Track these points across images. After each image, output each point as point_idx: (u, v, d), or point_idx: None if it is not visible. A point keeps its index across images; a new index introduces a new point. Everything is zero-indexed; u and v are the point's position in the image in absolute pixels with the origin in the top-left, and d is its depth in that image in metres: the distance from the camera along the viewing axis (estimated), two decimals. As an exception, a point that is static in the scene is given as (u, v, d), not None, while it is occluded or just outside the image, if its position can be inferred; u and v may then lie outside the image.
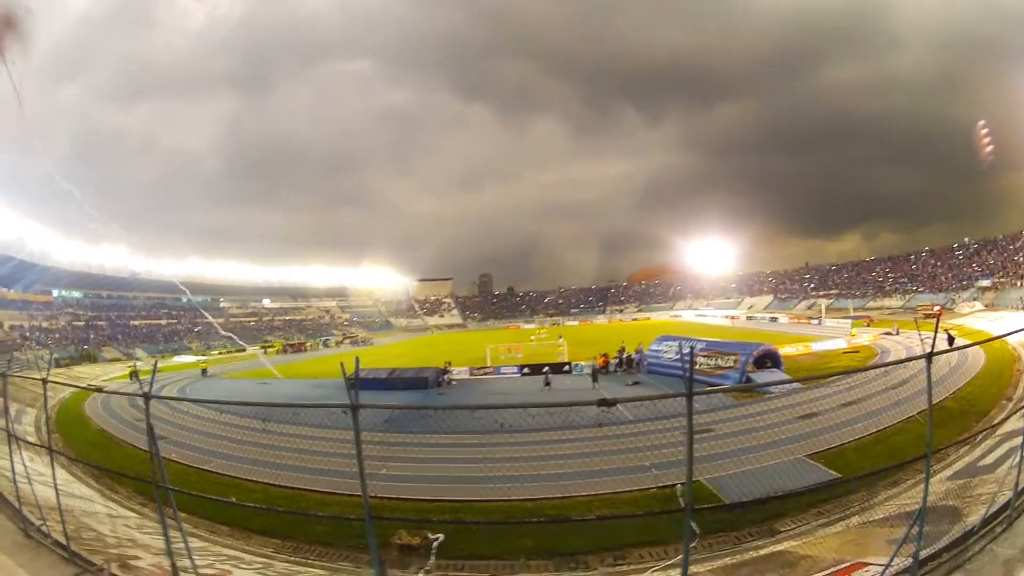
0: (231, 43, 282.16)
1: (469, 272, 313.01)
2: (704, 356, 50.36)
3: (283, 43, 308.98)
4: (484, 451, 29.69)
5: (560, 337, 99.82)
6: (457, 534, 19.05)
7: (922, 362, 10.45)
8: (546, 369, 59.72)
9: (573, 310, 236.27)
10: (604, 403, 9.23)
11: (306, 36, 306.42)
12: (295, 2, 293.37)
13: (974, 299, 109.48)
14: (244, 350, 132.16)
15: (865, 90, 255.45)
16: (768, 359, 49.50)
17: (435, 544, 18.02)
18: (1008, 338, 21.30)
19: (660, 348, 59.25)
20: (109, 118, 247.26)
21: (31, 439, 34.25)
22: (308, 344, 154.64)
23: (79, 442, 39.21)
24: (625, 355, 64.91)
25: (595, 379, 54.38)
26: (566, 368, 64.38)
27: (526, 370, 65.98)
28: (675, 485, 21.37)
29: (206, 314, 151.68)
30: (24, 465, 16.58)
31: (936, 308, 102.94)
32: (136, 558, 14.25)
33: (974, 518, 11.29)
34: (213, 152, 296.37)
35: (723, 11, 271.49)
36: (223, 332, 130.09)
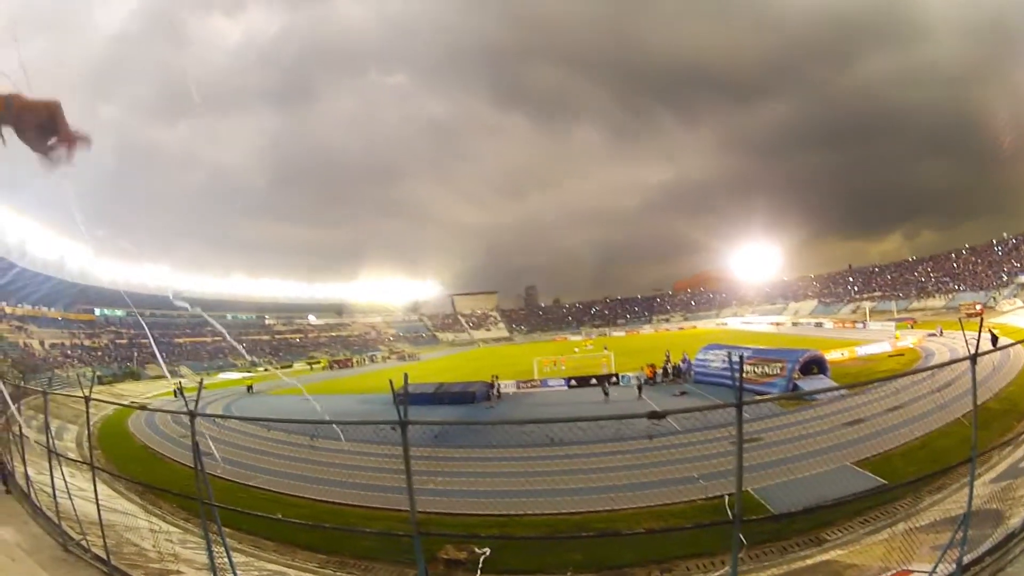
0: (268, 59, 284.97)
1: (514, 284, 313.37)
2: (750, 364, 49.85)
3: (320, 57, 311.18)
4: (532, 465, 29.75)
5: (605, 348, 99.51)
6: (504, 549, 19.07)
7: (965, 363, 10.38)
8: (606, 381, 59.59)
9: (619, 320, 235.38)
10: (654, 416, 9.23)
11: (343, 49, 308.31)
12: (331, 16, 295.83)
13: (1014, 295, 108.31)
14: (290, 366, 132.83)
15: (900, 82, 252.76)
16: (814, 365, 49.05)
17: (482, 558, 18.05)
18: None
19: (707, 357, 58.69)
20: (149, 135, 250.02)
21: (72, 455, 34.75)
22: (354, 360, 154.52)
23: (122, 458, 39.70)
24: (671, 365, 64.63)
25: (640, 391, 54.31)
26: (613, 380, 63.75)
27: (573, 382, 65.54)
28: (723, 496, 21.36)
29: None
30: (64, 480, 16.80)
31: (978, 307, 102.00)
32: (179, 573, 14.43)
33: (1016, 520, 11.21)
34: (254, 167, 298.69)
35: (754, 8, 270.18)
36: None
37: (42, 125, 3.17)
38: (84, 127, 3.39)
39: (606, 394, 53.92)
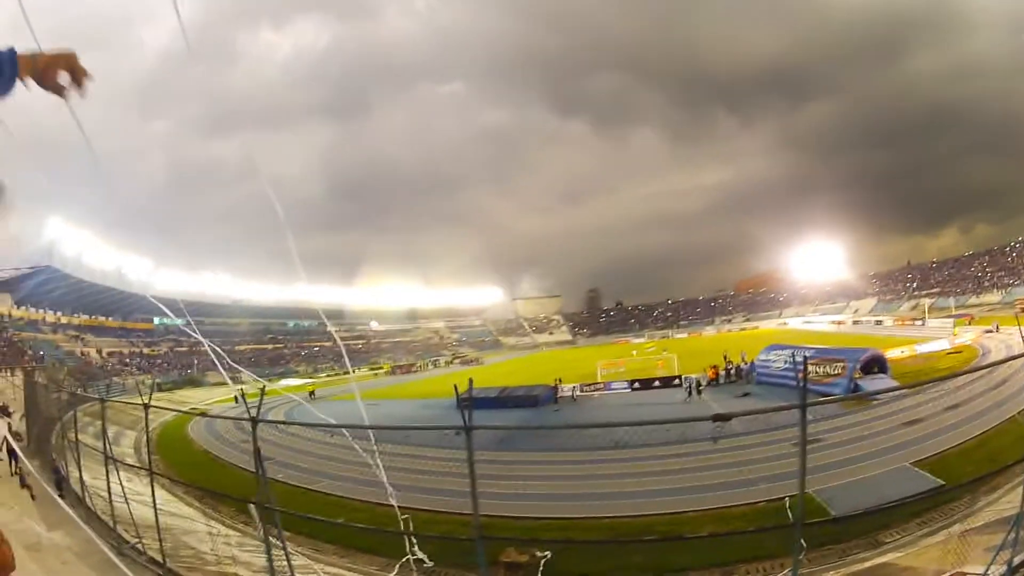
0: (320, 72, 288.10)
1: (577, 288, 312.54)
2: (812, 364, 48.84)
3: (373, 68, 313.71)
4: (594, 468, 30.08)
5: (665, 350, 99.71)
6: (565, 552, 19.17)
7: (1021, 360, 10.36)
8: (692, 380, 58.26)
9: (682, 322, 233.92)
10: (719, 418, 9.40)
11: (396, 60, 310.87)
12: (381, 29, 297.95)
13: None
14: (353, 372, 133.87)
15: (950, 78, 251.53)
16: (875, 364, 48.72)
17: (543, 562, 18.14)
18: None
19: (769, 357, 58.48)
20: (205, 150, 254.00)
21: (130, 460, 35.28)
22: (417, 365, 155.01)
23: (182, 463, 40.42)
24: (732, 366, 64.77)
25: (690, 393, 54.24)
26: (676, 381, 63.36)
27: (636, 384, 65.45)
28: (783, 498, 21.31)
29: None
30: (121, 485, 17.13)
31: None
32: (236, 575, 14.67)
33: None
34: (315, 179, 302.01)
35: (803, 7, 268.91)
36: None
37: (61, 74, 3.49)
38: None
39: (689, 395, 53.96)
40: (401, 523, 15.02)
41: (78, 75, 3.51)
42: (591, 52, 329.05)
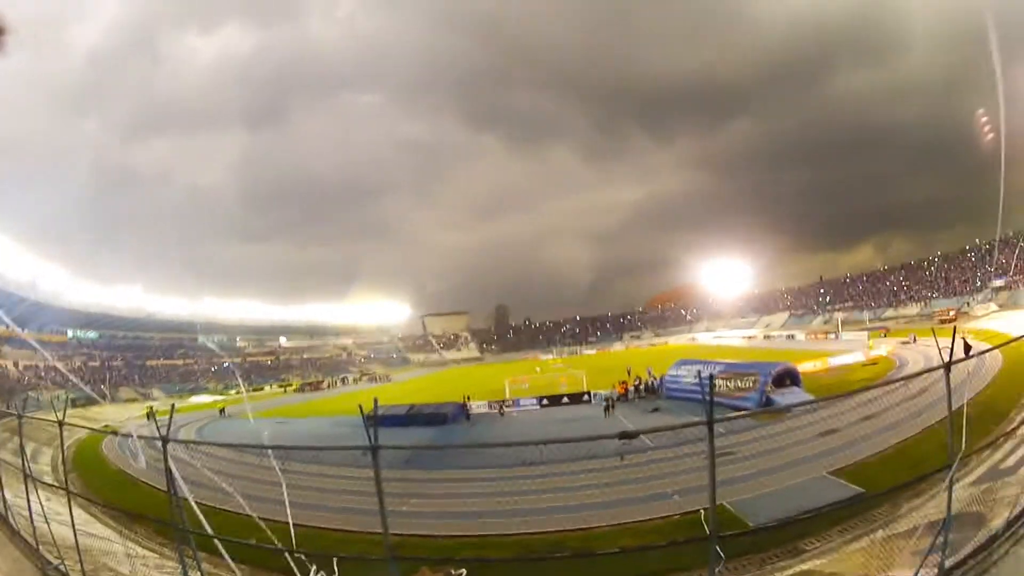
0: (243, 77, 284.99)
1: (485, 304, 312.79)
2: (723, 379, 49.98)
3: (295, 76, 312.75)
4: (505, 485, 29.61)
5: (564, 364, 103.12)
6: (481, 570, 18.95)
7: (940, 369, 10.45)
8: (606, 397, 59.28)
9: (591, 338, 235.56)
10: (626, 435, 9.26)
11: (318, 68, 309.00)
12: (305, 36, 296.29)
13: (989, 300, 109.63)
14: (261, 389, 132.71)
15: (875, 99, 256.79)
16: (787, 377, 49.35)
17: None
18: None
19: (679, 372, 58.85)
20: (120, 154, 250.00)
21: (48, 479, 34.41)
22: (326, 382, 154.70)
23: (97, 482, 39.42)
24: (640, 381, 64.97)
25: (607, 411, 54.28)
26: (585, 398, 64.15)
27: (545, 401, 65.60)
28: (699, 511, 21.34)
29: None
30: (41, 504, 16.60)
31: (951, 312, 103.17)
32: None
33: (998, 522, 11.21)
34: (227, 187, 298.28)
35: (730, 27, 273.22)
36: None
37: None
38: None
39: (606, 411, 54.18)
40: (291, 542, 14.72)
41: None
42: (512, 66, 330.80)
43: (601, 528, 23.92)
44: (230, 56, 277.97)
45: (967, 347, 40.30)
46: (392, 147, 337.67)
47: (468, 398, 66.33)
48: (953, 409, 10.96)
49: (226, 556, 15.84)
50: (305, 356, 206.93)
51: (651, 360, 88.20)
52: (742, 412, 41.47)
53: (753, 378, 48.64)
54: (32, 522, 16.15)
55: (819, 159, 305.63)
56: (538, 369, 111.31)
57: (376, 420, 9.62)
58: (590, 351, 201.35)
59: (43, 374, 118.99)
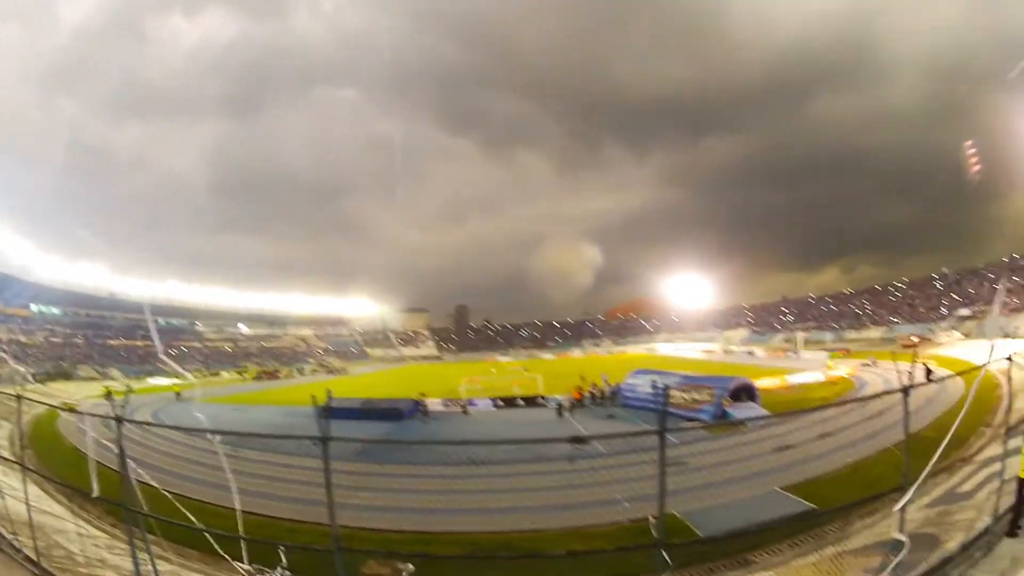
0: (223, 64, 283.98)
1: (446, 303, 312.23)
2: (679, 390, 50.08)
3: (274, 67, 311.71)
4: (455, 483, 29.50)
5: (524, 370, 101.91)
6: (427, 566, 18.82)
7: (898, 393, 10.47)
8: (559, 401, 59.22)
9: (550, 343, 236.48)
10: (576, 440, 9.21)
11: (298, 61, 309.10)
12: (288, 26, 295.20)
13: (953, 328, 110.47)
14: (218, 374, 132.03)
15: (853, 124, 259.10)
16: (744, 392, 49.53)
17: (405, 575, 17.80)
18: (989, 365, 21.40)
19: (635, 381, 59.05)
20: (97, 133, 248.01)
21: (4, 453, 33.97)
22: (283, 372, 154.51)
23: (52, 459, 38.94)
24: (595, 388, 65.01)
25: (560, 414, 54.46)
26: (540, 401, 64.27)
27: (500, 403, 65.79)
28: (647, 518, 21.30)
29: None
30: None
31: (914, 339, 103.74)
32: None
33: (952, 544, 11.23)
34: (197, 173, 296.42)
35: (715, 45, 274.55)
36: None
37: None
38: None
39: (559, 414, 54.29)
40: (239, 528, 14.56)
41: None
42: (492, 71, 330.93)
43: (550, 531, 23.84)
44: (212, 42, 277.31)
45: (928, 372, 40.54)
46: (366, 144, 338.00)
47: (423, 395, 65.77)
48: (908, 432, 10.99)
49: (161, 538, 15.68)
50: (264, 344, 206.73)
51: (609, 368, 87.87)
52: (695, 423, 41.86)
53: (709, 391, 48.95)
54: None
55: (792, 180, 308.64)
56: (493, 371, 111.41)
57: (329, 412, 9.52)
58: (549, 356, 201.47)
59: (5, 348, 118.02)
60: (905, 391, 10.31)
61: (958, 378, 32.46)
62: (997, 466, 13.02)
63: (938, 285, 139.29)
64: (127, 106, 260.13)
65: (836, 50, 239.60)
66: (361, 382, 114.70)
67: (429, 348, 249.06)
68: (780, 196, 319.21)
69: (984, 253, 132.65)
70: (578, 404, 60.56)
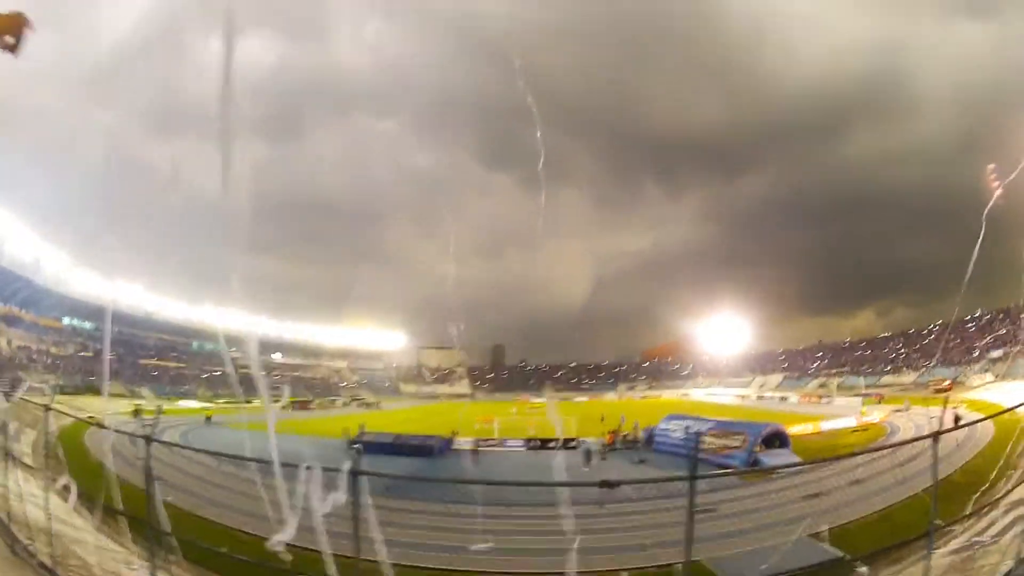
0: (264, 88, 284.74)
1: (483, 341, 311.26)
2: (712, 436, 50.12)
3: (315, 93, 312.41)
4: (483, 523, 29.52)
5: (537, 409, 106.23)
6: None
7: (928, 439, 10.42)
8: (586, 447, 56.16)
9: (584, 385, 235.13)
10: (606, 484, 9.20)
11: (339, 88, 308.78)
12: (330, 53, 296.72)
13: (986, 371, 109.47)
14: (250, 402, 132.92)
15: (886, 161, 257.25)
16: (776, 439, 49.45)
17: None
18: (1018, 408, 21.33)
19: (668, 427, 59.34)
20: (137, 149, 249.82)
21: (28, 460, 34.23)
22: (315, 403, 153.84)
23: (76, 471, 39.20)
24: (623, 434, 65.52)
25: (588, 460, 51.11)
26: (572, 444, 62.55)
27: (531, 444, 65.99)
28: (672, 564, 21.18)
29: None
30: (18, 484, 16.48)
31: (947, 383, 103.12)
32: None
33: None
34: (237, 196, 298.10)
35: (749, 84, 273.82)
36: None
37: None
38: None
39: (587, 461, 50.81)
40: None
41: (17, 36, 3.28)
42: (528, 106, 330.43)
43: (575, 574, 23.73)
44: (254, 65, 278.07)
45: (956, 418, 40.31)
46: (403, 175, 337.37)
47: (456, 433, 66.34)
48: (938, 478, 10.90)
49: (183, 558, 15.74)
50: (297, 374, 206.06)
51: (642, 413, 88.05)
52: (726, 470, 41.56)
53: (742, 437, 48.70)
54: (7, 499, 16.03)
55: (827, 220, 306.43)
56: (514, 411, 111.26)
57: (361, 447, 9.61)
58: (582, 398, 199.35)
59: (35, 356, 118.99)
60: (935, 437, 10.25)
61: (988, 421, 32.27)
62: (1022, 509, 12.90)
63: (971, 327, 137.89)
64: (167, 123, 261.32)
65: (865, 85, 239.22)
66: (393, 417, 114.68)
67: (462, 386, 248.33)
68: (814, 236, 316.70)
69: (1015, 293, 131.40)
70: (610, 448, 60.49)
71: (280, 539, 11.02)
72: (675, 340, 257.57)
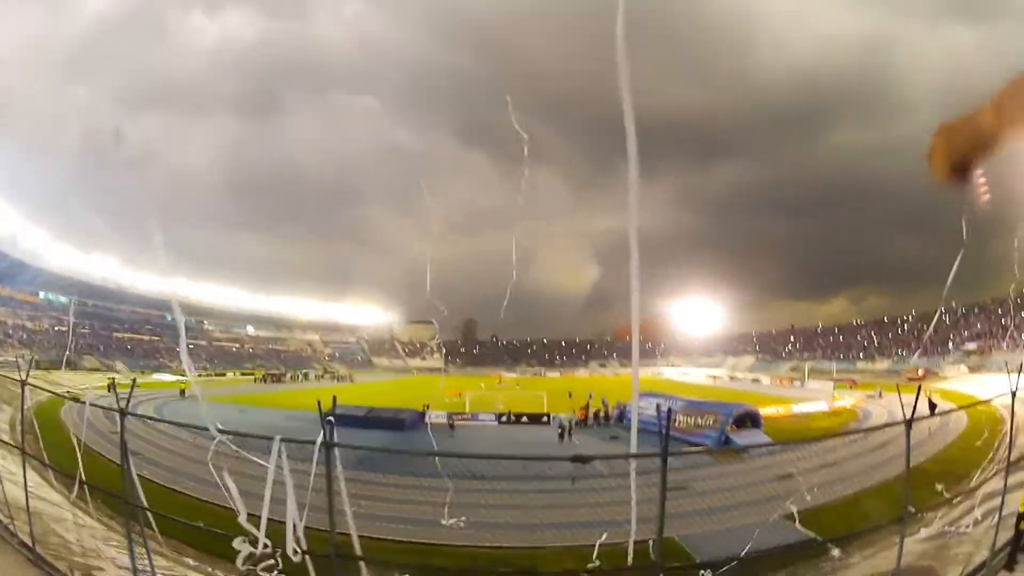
0: (241, 64, 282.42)
1: (455, 316, 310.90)
2: (684, 415, 50.36)
3: (293, 70, 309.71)
4: (455, 496, 29.62)
5: (518, 386, 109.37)
6: (425, 576, 18.88)
7: (901, 424, 10.48)
8: (565, 422, 57.48)
9: (556, 361, 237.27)
10: (578, 459, 9.33)
11: (317, 65, 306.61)
12: (309, 31, 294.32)
13: (960, 362, 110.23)
14: (224, 374, 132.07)
15: (868, 154, 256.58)
16: (748, 419, 49.75)
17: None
18: (992, 400, 21.43)
19: (641, 404, 58.31)
20: (113, 124, 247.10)
21: (5, 437, 34.02)
22: (288, 375, 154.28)
23: (52, 447, 39.08)
24: (597, 410, 65.69)
25: (561, 437, 53.02)
26: (544, 419, 64.37)
27: (504, 418, 66.26)
28: (647, 541, 21.31)
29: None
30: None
31: (920, 372, 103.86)
32: (100, 570, 14.06)
33: (951, 576, 11.22)
34: (211, 171, 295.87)
35: (733, 71, 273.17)
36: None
37: None
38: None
39: (561, 438, 52.73)
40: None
41: None
42: (509, 86, 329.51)
43: (548, 548, 24.03)
44: (232, 41, 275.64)
45: (932, 406, 40.52)
46: (381, 152, 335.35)
47: (427, 407, 65.90)
48: (911, 466, 10.99)
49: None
50: (270, 347, 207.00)
51: (613, 390, 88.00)
52: (697, 448, 41.87)
53: (714, 416, 49.09)
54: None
55: (804, 208, 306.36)
56: (483, 385, 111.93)
57: (333, 419, 9.56)
58: (554, 374, 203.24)
59: (10, 332, 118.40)
60: (908, 424, 10.31)
61: (961, 412, 32.52)
62: (997, 501, 13.02)
63: (946, 318, 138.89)
64: (144, 99, 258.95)
65: (849, 79, 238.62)
66: (366, 390, 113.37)
67: (435, 360, 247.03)
68: (790, 223, 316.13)
69: (990, 288, 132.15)
70: (581, 423, 60.90)
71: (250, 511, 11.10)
72: (647, 319, 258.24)
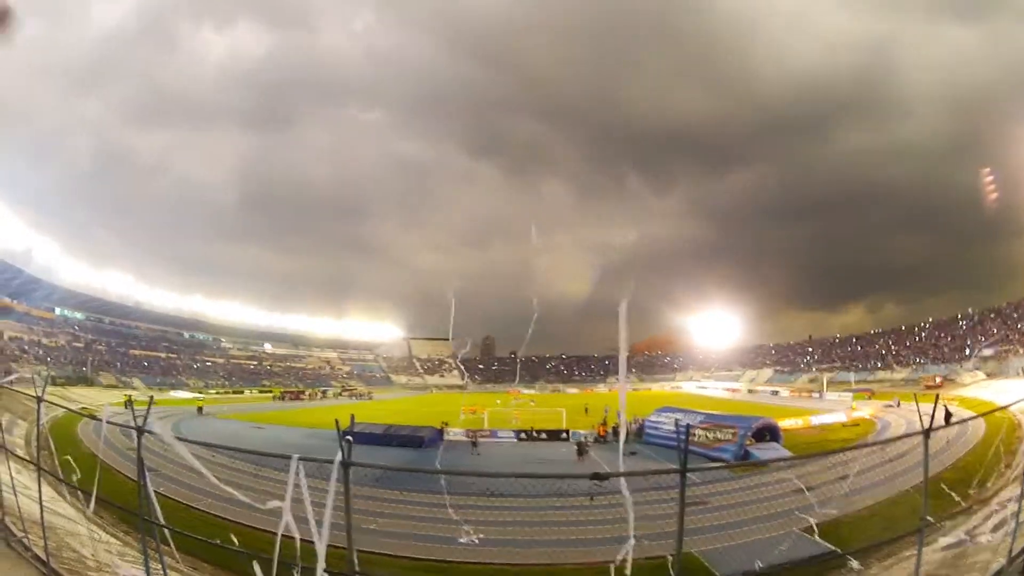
0: (252, 78, 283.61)
1: (473, 333, 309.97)
2: (703, 429, 50.22)
3: (304, 83, 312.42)
4: (473, 513, 29.52)
5: (532, 402, 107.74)
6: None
7: (919, 435, 10.43)
8: (581, 439, 57.84)
9: (575, 377, 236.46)
10: (596, 477, 9.23)
11: (327, 79, 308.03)
12: (319, 45, 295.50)
13: (977, 368, 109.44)
14: (241, 392, 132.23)
15: (875, 157, 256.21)
16: (767, 432, 49.61)
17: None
18: (1010, 407, 21.32)
19: (659, 419, 59.09)
20: (125, 139, 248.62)
21: (20, 452, 34.13)
22: (307, 393, 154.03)
23: (68, 463, 39.24)
24: (615, 425, 63.86)
25: (581, 453, 52.10)
26: (563, 436, 64.26)
27: (523, 435, 65.72)
28: (666, 557, 21.27)
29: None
30: (11, 476, 16.46)
31: (938, 379, 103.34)
32: (114, 584, 14.08)
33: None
34: (223, 187, 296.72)
35: (739, 79, 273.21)
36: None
37: None
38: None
39: (579, 455, 51.92)
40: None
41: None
42: (518, 98, 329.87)
43: (566, 565, 23.98)
44: (242, 55, 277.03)
45: (947, 415, 40.32)
46: (391, 165, 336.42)
47: (446, 424, 66.19)
48: (929, 475, 10.95)
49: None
50: (288, 364, 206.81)
51: (632, 405, 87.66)
52: (716, 463, 42.06)
53: (733, 430, 48.73)
54: (1, 493, 16.01)
55: (817, 216, 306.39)
56: (498, 401, 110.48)
57: (350, 438, 9.57)
58: (573, 390, 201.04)
59: (26, 348, 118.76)
60: (926, 434, 10.26)
61: (979, 419, 32.38)
62: (1014, 507, 12.92)
63: (962, 324, 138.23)
64: (157, 113, 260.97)
65: (855, 83, 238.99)
66: (385, 408, 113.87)
67: (453, 377, 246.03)
68: (804, 231, 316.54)
69: (1009, 292, 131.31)
70: (601, 440, 60.83)
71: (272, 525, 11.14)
72: (665, 333, 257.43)
